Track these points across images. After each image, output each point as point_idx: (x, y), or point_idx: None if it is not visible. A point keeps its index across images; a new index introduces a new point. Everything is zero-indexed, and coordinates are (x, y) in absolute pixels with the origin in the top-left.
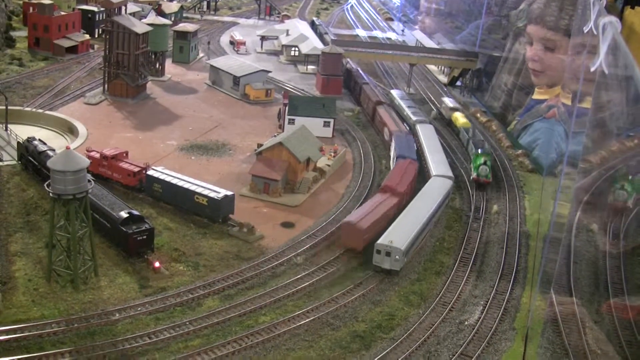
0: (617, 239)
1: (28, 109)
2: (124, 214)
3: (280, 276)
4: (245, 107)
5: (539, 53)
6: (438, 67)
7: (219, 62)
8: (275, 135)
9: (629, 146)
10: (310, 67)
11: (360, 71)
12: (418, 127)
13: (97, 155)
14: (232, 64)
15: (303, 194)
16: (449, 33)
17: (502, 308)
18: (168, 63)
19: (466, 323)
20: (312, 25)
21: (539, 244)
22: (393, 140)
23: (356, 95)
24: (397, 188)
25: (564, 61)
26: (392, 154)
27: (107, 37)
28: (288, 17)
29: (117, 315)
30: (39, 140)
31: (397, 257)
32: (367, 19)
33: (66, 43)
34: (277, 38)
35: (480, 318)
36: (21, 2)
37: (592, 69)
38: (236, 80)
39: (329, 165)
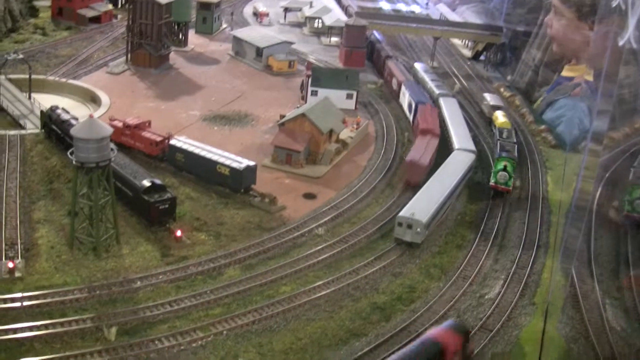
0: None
1: (51, 78)
2: (146, 183)
3: (301, 247)
4: (268, 78)
5: (552, 19)
6: (462, 41)
7: (242, 33)
8: (297, 107)
9: None
10: (334, 39)
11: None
12: (441, 100)
13: (120, 125)
14: (255, 35)
15: (325, 165)
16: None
17: (523, 283)
18: (191, 34)
19: (486, 297)
20: None
21: (561, 220)
22: (404, 88)
23: (374, 59)
24: (434, 129)
25: (570, 31)
26: (405, 101)
27: (131, 7)
28: None
29: (139, 283)
30: (62, 109)
31: (418, 229)
32: None
33: (89, 13)
34: (300, 10)
35: (500, 292)
36: None
37: (621, 44)
38: (259, 51)
39: (351, 137)
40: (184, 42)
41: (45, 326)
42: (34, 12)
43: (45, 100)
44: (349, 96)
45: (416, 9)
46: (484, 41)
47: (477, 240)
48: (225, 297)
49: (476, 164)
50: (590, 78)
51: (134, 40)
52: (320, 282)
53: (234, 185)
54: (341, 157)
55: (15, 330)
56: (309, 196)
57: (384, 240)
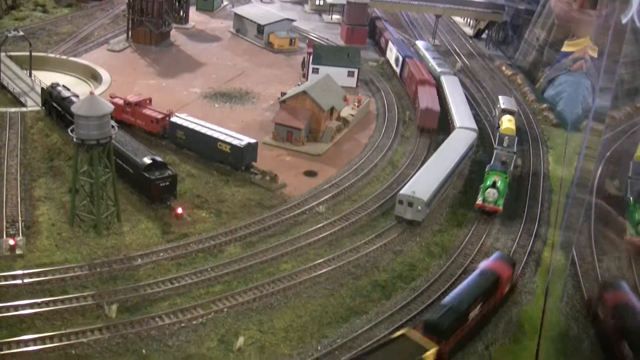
0: None
1: (52, 55)
2: (147, 160)
3: (302, 224)
4: (269, 55)
5: None
6: (464, 19)
7: (243, 10)
8: (299, 84)
9: None
10: (335, 17)
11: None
12: (442, 78)
13: (121, 102)
14: (256, 12)
15: (326, 143)
16: None
17: (523, 262)
18: (192, 11)
19: None
20: None
21: (562, 199)
22: (391, 44)
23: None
24: (430, 79)
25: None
26: (393, 56)
27: None
28: None
29: (139, 260)
30: (63, 86)
31: (419, 207)
32: None
33: None
34: None
35: None
36: None
37: (624, 21)
38: (260, 28)
39: (352, 115)
40: (185, 20)
41: (46, 303)
42: None
43: (45, 78)
44: (351, 74)
45: None
46: (486, 19)
47: (478, 218)
48: (225, 275)
49: (477, 142)
50: (594, 54)
51: (135, 17)
52: (321, 260)
53: (235, 162)
54: (342, 135)
55: (16, 308)
56: (310, 174)
57: (384, 218)
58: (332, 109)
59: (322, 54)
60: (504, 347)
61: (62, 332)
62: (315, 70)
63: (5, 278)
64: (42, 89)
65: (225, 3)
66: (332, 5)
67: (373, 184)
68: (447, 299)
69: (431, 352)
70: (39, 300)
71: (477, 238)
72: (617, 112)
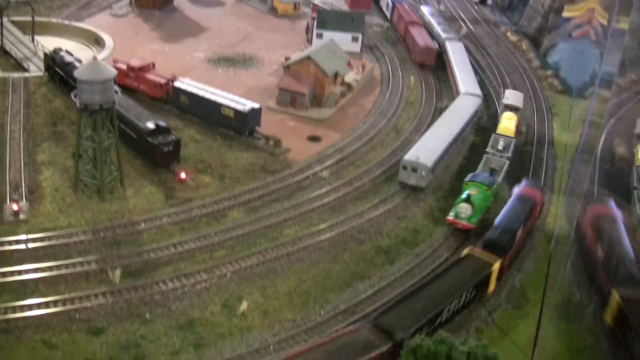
0: None
1: (54, 20)
2: (150, 125)
3: (306, 190)
4: (273, 20)
5: None
6: None
7: None
8: (303, 49)
9: None
10: None
11: None
12: (447, 44)
13: (124, 67)
14: None
15: (330, 108)
16: None
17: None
18: None
19: None
20: None
21: (566, 165)
22: None
23: None
24: (418, 20)
25: None
26: (384, 4)
27: None
28: None
29: (143, 225)
30: (66, 51)
31: (423, 173)
32: None
33: None
34: None
35: None
36: None
37: None
38: None
39: (356, 80)
40: None
41: (50, 268)
42: None
43: (48, 43)
44: (355, 39)
45: None
46: None
47: None
48: (229, 240)
49: (482, 108)
50: (604, 21)
51: None
52: (325, 225)
53: (239, 127)
54: (346, 100)
55: (20, 272)
56: (314, 139)
57: (388, 183)
58: (336, 74)
59: (326, 19)
60: (507, 313)
61: (66, 296)
62: (320, 35)
63: (9, 243)
64: (45, 54)
65: None
66: None
67: (377, 150)
68: (497, 221)
69: (497, 266)
70: (42, 265)
71: None
72: (622, 80)
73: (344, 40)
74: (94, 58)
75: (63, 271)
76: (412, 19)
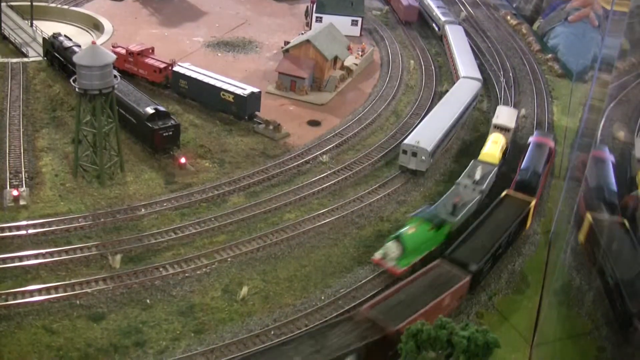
0: None
1: (53, 5)
2: (150, 110)
3: (306, 174)
4: (272, 4)
5: None
6: None
7: None
8: (302, 33)
9: None
10: None
11: None
12: (447, 27)
13: (123, 51)
14: None
15: (330, 92)
16: None
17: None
18: None
19: None
20: None
21: (566, 150)
22: None
23: None
24: None
25: None
26: None
27: None
28: None
29: (143, 210)
30: (65, 36)
31: (423, 157)
32: None
33: None
34: None
35: None
36: None
37: None
38: None
39: (356, 64)
40: None
41: (51, 254)
42: None
43: (47, 28)
44: (354, 23)
45: None
46: None
47: None
48: (229, 225)
49: (482, 92)
50: (607, 5)
51: None
52: (325, 210)
53: (238, 112)
54: (346, 84)
55: (20, 258)
56: (314, 123)
57: (388, 168)
58: (335, 58)
59: (325, 3)
60: (507, 298)
61: (67, 282)
62: (319, 19)
63: (10, 229)
64: (44, 39)
65: None
66: None
67: (377, 134)
68: (524, 165)
69: (533, 203)
70: (43, 251)
71: None
72: (622, 63)
73: (344, 24)
74: (93, 43)
75: (64, 257)
76: None
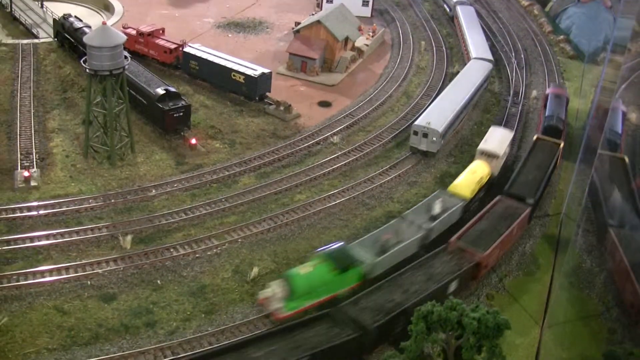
0: None
1: None
2: (160, 91)
3: (316, 155)
4: None
5: None
6: None
7: None
8: (313, 14)
9: None
10: None
11: None
12: (458, 8)
13: (134, 32)
14: None
15: (340, 73)
16: None
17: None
18: None
19: None
20: None
21: (577, 132)
22: None
23: None
24: None
25: None
26: None
27: None
28: None
29: (154, 191)
30: (75, 17)
31: (434, 138)
32: None
33: None
34: None
35: None
36: None
37: None
38: None
39: (367, 45)
40: None
41: (62, 234)
42: None
43: (57, 9)
44: (365, 3)
45: None
46: None
47: None
48: (240, 205)
49: (493, 73)
50: None
51: None
52: (335, 191)
53: (249, 92)
54: (357, 65)
55: (31, 239)
56: (324, 104)
57: (399, 149)
58: (346, 39)
59: None
60: (517, 280)
61: (78, 263)
62: (330, 0)
63: (21, 210)
64: (54, 20)
65: None
66: None
67: (388, 115)
68: (548, 112)
69: (561, 145)
70: (54, 232)
71: None
72: (634, 45)
73: (355, 5)
74: (104, 23)
75: (74, 237)
76: None
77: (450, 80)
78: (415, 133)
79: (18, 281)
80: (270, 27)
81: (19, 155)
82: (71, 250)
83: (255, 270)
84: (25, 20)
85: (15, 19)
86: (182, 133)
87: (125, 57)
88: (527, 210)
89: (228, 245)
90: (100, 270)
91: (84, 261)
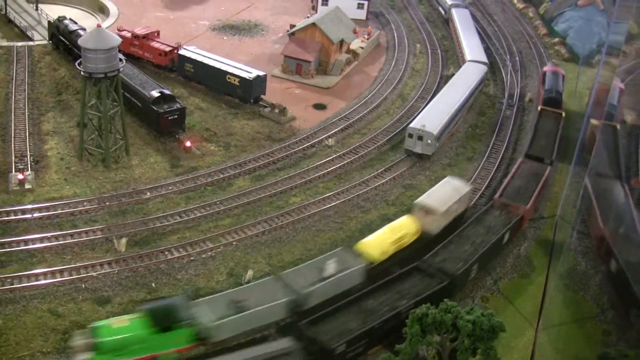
0: None
1: None
2: (155, 93)
3: (311, 158)
4: None
5: None
6: None
7: None
8: (308, 16)
9: None
10: None
11: None
12: (453, 11)
13: (128, 35)
14: None
15: (336, 75)
16: None
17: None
18: None
19: None
20: None
21: (573, 134)
22: None
23: None
24: None
25: None
26: None
27: None
28: None
29: (148, 194)
30: (70, 19)
31: (429, 141)
32: None
33: None
34: None
35: None
36: None
37: None
38: None
39: (362, 48)
40: None
41: (56, 237)
42: None
43: (52, 11)
44: (360, 6)
45: None
46: None
47: (487, 152)
48: (234, 208)
49: (488, 76)
50: None
51: None
52: (330, 193)
53: (244, 95)
54: (352, 68)
55: (26, 242)
56: (319, 107)
57: (394, 151)
58: (341, 42)
59: None
60: (512, 282)
61: (72, 265)
62: (325, 2)
63: (15, 212)
64: (49, 22)
65: None
66: None
67: (383, 117)
68: (547, 86)
69: (563, 114)
70: (48, 234)
71: (487, 172)
72: (628, 47)
73: (350, 7)
74: (98, 26)
75: (69, 240)
76: None
77: (445, 83)
78: (410, 136)
79: (12, 284)
80: (265, 29)
81: (13, 157)
82: (66, 253)
83: (250, 273)
84: (20, 22)
85: (9, 21)
86: (177, 136)
87: (120, 59)
88: (548, 169)
89: (223, 248)
90: (94, 273)
91: (78, 264)
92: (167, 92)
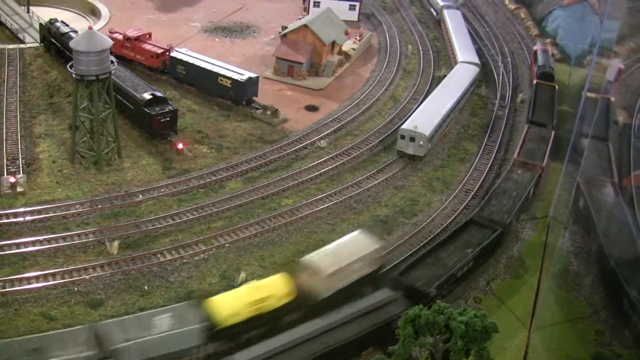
0: None
1: None
2: (147, 96)
3: (304, 159)
4: None
5: None
6: None
7: None
8: (300, 18)
9: None
10: None
11: None
12: (445, 12)
13: (120, 37)
14: None
15: (328, 77)
16: None
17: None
18: None
19: None
20: None
21: (566, 135)
22: None
23: None
24: None
25: None
26: None
27: None
28: None
29: (141, 196)
30: (62, 22)
31: (421, 142)
32: None
33: None
34: None
35: None
36: None
37: None
38: None
39: (354, 49)
40: None
41: (48, 240)
42: None
43: (44, 13)
44: (352, 7)
45: None
46: None
47: (479, 153)
48: (227, 210)
49: (480, 77)
50: None
51: None
52: (322, 195)
53: (236, 97)
54: (344, 69)
55: (18, 245)
56: (311, 108)
57: (386, 152)
58: (333, 43)
59: None
60: (505, 282)
61: (65, 269)
62: (317, 4)
63: (7, 216)
64: (41, 24)
65: None
66: None
67: (375, 119)
68: (540, 62)
69: (556, 87)
70: (41, 238)
71: (479, 173)
72: (620, 48)
73: (342, 9)
74: (90, 28)
75: (61, 243)
76: None
77: (437, 84)
78: (403, 137)
79: (4, 287)
80: (257, 31)
81: (5, 160)
82: (58, 256)
83: (243, 275)
84: (12, 25)
85: (1, 23)
86: (169, 138)
87: (112, 61)
88: (553, 132)
89: (215, 251)
90: (87, 276)
91: (70, 267)
92: (159, 94)
